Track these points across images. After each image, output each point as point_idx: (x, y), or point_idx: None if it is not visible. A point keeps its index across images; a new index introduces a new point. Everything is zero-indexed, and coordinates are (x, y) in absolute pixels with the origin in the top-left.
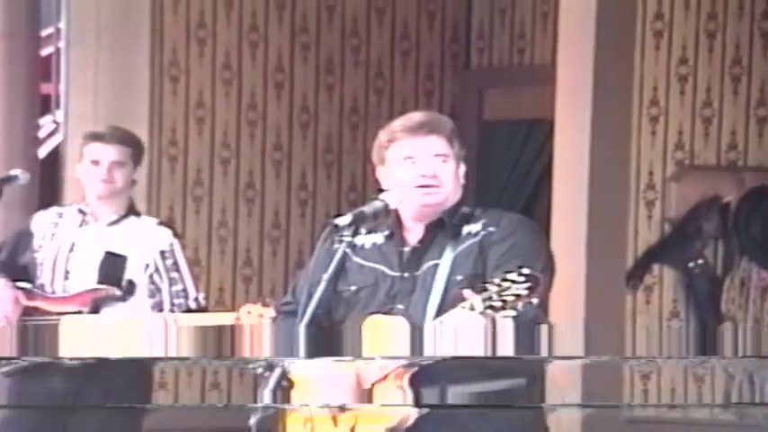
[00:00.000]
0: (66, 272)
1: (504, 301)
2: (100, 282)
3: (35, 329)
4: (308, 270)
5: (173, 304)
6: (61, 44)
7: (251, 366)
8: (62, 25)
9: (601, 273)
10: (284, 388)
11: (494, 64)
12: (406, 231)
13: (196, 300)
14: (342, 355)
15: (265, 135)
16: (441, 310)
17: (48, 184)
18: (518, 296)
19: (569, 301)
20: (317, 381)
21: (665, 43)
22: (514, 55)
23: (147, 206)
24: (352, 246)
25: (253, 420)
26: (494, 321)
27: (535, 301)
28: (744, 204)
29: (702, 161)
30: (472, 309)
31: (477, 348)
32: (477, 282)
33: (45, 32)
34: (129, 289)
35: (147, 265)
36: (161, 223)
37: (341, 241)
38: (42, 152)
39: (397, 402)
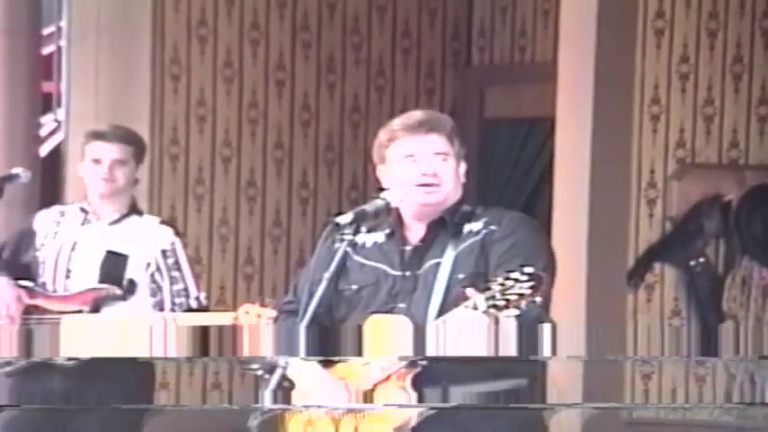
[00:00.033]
0: (68, 270)
1: (507, 300)
2: (101, 281)
3: (36, 329)
4: (309, 269)
5: (174, 303)
6: (62, 42)
7: (252, 367)
8: (63, 24)
9: (602, 271)
10: (285, 388)
11: (495, 62)
12: (407, 230)
13: (197, 299)
14: (342, 355)
15: (266, 133)
16: (443, 309)
17: (49, 183)
18: (521, 295)
19: (570, 299)
20: (313, 386)
21: (666, 41)
22: (515, 53)
23: (149, 205)
24: (353, 244)
25: (253, 422)
26: (497, 320)
27: (538, 299)
28: (745, 203)
29: (704, 159)
30: (475, 308)
31: (479, 348)
32: (479, 280)
33: (46, 31)
34: (130, 288)
35: (149, 264)
36: (163, 222)
37: (342, 240)
38: (44, 150)
39: (400, 403)
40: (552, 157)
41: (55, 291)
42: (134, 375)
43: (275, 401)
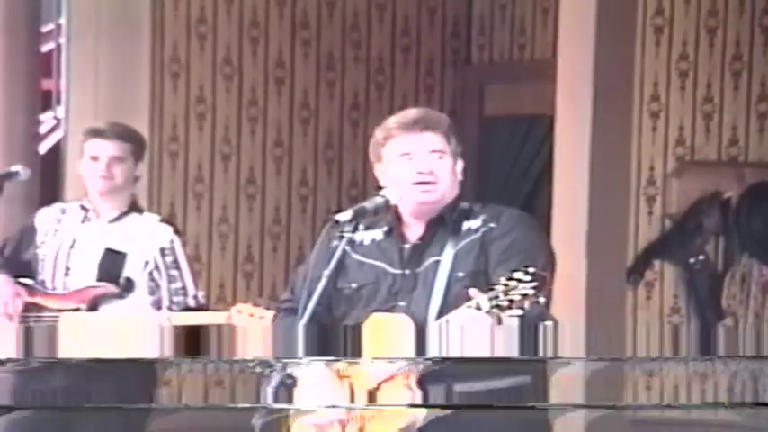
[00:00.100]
0: (67, 268)
1: (510, 300)
2: (99, 278)
3: (34, 328)
4: (308, 266)
5: (172, 302)
6: (62, 40)
7: (252, 366)
8: (62, 21)
9: (601, 269)
10: (288, 386)
11: (494, 60)
12: (405, 228)
13: (195, 297)
14: (343, 355)
15: (266, 131)
16: (443, 308)
17: (48, 181)
18: (525, 295)
19: (570, 297)
20: (315, 385)
21: (665, 39)
22: (515, 51)
23: (148, 202)
24: (351, 242)
25: (255, 420)
26: (499, 320)
27: (542, 300)
28: (745, 200)
29: (703, 157)
30: (478, 308)
31: (482, 348)
32: (479, 279)
33: (45, 28)
34: (127, 286)
35: (147, 263)
36: (162, 220)
37: (341, 237)
38: (43, 148)
39: (406, 402)
40: (552, 155)
41: (54, 288)
42: (135, 373)
43: (277, 399)
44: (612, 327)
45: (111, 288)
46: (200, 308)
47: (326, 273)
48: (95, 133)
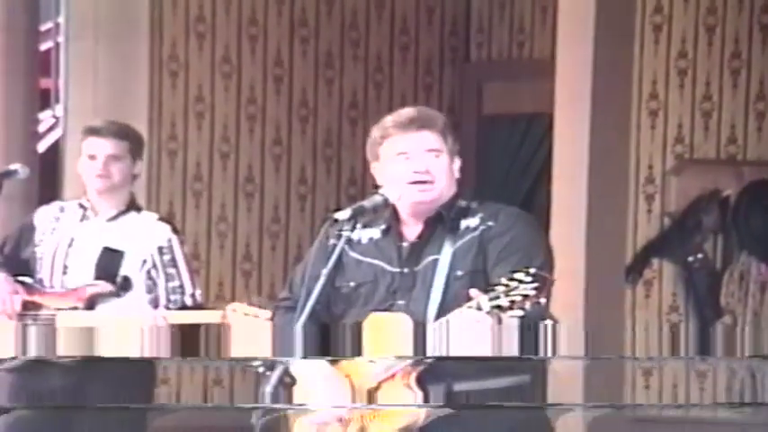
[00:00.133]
0: (65, 267)
1: (511, 301)
2: (97, 277)
3: (31, 327)
4: (306, 265)
5: (169, 300)
6: (60, 39)
7: (253, 364)
8: (61, 20)
9: (600, 267)
10: (287, 385)
11: (493, 58)
12: (403, 226)
13: (192, 296)
14: (344, 355)
15: (265, 129)
16: (442, 306)
17: (47, 179)
18: (525, 296)
19: (569, 295)
20: (317, 385)
21: (664, 37)
22: (514, 49)
23: (147, 201)
24: (349, 241)
25: (255, 419)
26: (500, 321)
27: (543, 301)
28: (743, 198)
29: (702, 155)
30: (479, 308)
31: (482, 347)
32: (478, 277)
33: (44, 27)
34: (124, 285)
35: (145, 261)
36: (161, 219)
37: (339, 236)
38: (42, 147)
39: (405, 402)
40: (550, 153)
41: (52, 287)
42: (134, 371)
43: (276, 399)
44: (611, 325)
45: (109, 287)
46: (197, 306)
47: (325, 271)
48: (93, 132)
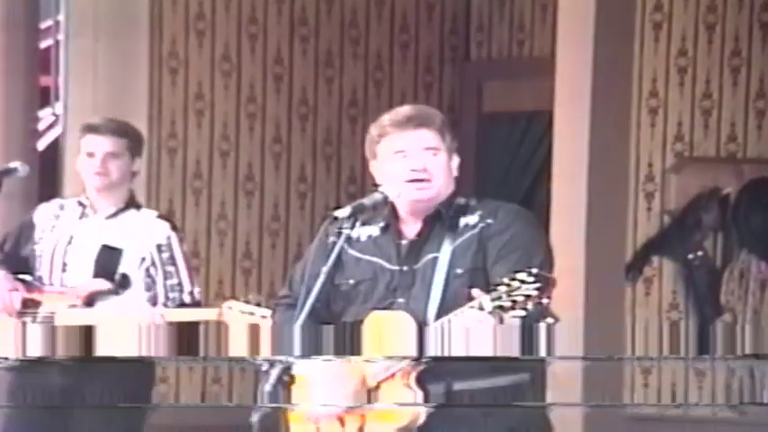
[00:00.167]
0: (64, 264)
1: (513, 301)
2: (96, 275)
3: (29, 326)
4: (306, 262)
5: (167, 298)
6: (60, 36)
7: (256, 363)
8: (61, 17)
9: (600, 265)
10: (285, 383)
11: (493, 56)
12: (402, 224)
13: (191, 294)
14: (344, 354)
15: (264, 127)
16: (442, 305)
17: (47, 177)
18: (528, 297)
19: (568, 293)
20: (321, 380)
21: (664, 35)
22: (514, 47)
23: (147, 199)
24: (348, 238)
25: (254, 417)
26: (501, 321)
27: (546, 301)
28: (743, 196)
29: (702, 153)
30: (481, 308)
31: (483, 347)
32: (478, 275)
33: (44, 25)
34: (123, 282)
35: (144, 259)
36: (160, 216)
37: (339, 234)
38: (42, 144)
39: (405, 401)
40: (550, 151)
41: (51, 284)
42: (132, 370)
43: (275, 397)
44: (611, 323)
45: (107, 284)
46: (195, 304)
47: (325, 269)
48: (91, 129)
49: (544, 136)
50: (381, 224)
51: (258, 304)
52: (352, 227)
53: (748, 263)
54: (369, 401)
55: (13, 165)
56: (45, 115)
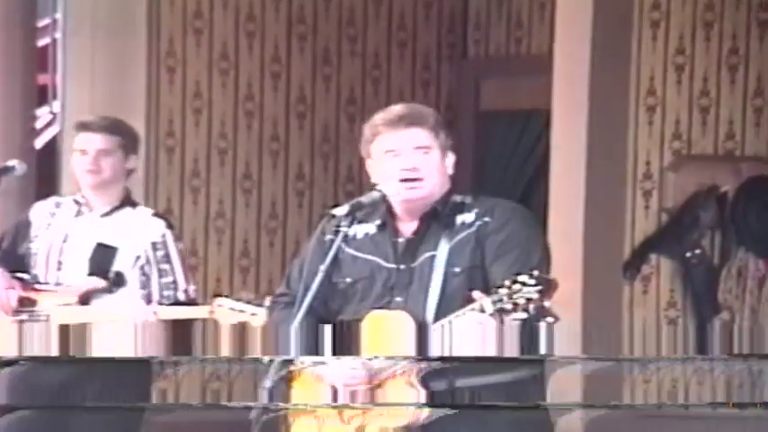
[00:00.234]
0: (59, 262)
1: (514, 303)
2: (91, 273)
3: (27, 325)
4: (303, 260)
5: (162, 296)
6: (58, 35)
7: (267, 363)
8: (59, 15)
9: (598, 263)
10: (285, 380)
11: (491, 54)
12: (399, 222)
13: (186, 292)
14: (344, 353)
15: (262, 126)
16: (441, 303)
17: (44, 175)
18: (529, 299)
19: (566, 291)
20: (328, 376)
21: (662, 33)
22: (511, 45)
23: (145, 197)
24: (345, 236)
25: (254, 415)
26: (502, 322)
27: (547, 304)
28: (741, 194)
29: (700, 151)
30: (482, 311)
31: (483, 347)
32: (476, 273)
33: (41, 23)
34: (117, 280)
35: (138, 257)
36: (155, 214)
37: (336, 232)
38: (39, 143)
39: (407, 400)
40: (548, 150)
41: (47, 283)
42: (130, 369)
43: (274, 395)
44: (609, 321)
45: (102, 282)
46: (190, 302)
47: (323, 267)
48: (83, 127)
49: (542, 134)
50: (378, 222)
51: (249, 302)
52: (350, 225)
53: (746, 261)
54: (370, 399)
55: (10, 163)
56: (42, 113)
